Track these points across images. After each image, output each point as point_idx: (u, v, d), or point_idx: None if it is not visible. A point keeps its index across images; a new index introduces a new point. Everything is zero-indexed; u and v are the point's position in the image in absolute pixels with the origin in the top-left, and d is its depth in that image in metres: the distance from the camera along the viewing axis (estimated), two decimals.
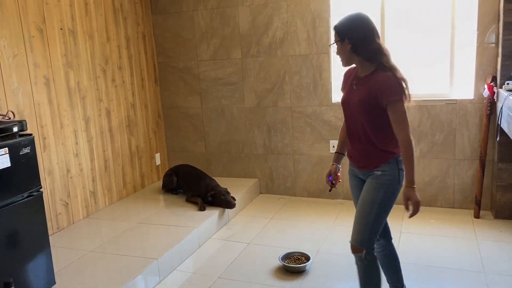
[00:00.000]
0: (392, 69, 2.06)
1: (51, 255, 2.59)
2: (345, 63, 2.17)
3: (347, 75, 2.27)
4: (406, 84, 2.05)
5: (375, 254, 2.20)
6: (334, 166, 2.46)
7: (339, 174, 2.47)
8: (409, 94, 2.06)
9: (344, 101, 2.22)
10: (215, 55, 4.44)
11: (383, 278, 2.27)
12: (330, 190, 2.56)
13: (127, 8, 4.18)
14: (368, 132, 2.12)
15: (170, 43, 4.57)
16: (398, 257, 2.39)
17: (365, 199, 2.16)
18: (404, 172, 2.08)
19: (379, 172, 2.12)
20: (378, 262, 2.21)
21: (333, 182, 2.44)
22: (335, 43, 2.14)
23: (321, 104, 4.12)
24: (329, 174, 2.46)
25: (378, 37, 2.12)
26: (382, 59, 2.08)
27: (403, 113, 2.02)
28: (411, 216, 2.07)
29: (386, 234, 2.34)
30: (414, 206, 2.06)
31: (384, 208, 2.13)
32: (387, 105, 2.02)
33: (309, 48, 4.07)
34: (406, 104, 2.04)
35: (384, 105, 2.03)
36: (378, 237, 2.20)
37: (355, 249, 2.14)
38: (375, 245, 2.17)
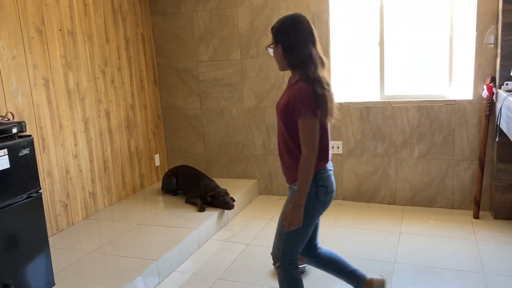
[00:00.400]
0: (314, 81, 1.90)
1: (50, 256, 2.59)
2: (280, 68, 2.06)
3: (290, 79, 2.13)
4: (325, 101, 1.90)
5: (300, 266, 2.15)
6: None
7: None
8: (327, 112, 1.91)
9: (276, 106, 2.13)
10: (214, 56, 4.44)
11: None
12: None
13: (126, 9, 4.18)
14: (288, 142, 2.03)
15: (170, 44, 4.57)
16: (334, 260, 2.33)
17: (282, 213, 2.12)
18: (324, 188, 2.01)
19: (295, 187, 2.02)
20: (298, 276, 2.15)
21: None
22: (271, 46, 2.03)
23: None
24: None
25: (313, 43, 1.96)
26: (308, 68, 1.92)
27: (310, 129, 1.91)
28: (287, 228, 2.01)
29: (308, 251, 2.27)
30: (289, 225, 2.00)
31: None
32: (298, 118, 1.92)
33: None
34: (322, 121, 1.92)
35: (296, 117, 1.93)
36: (299, 251, 2.14)
37: (273, 259, 2.13)
38: (301, 259, 2.13)
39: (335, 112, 1.98)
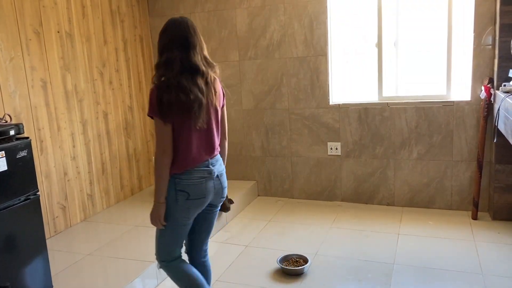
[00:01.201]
0: (164, 86, 1.91)
1: (48, 258, 2.58)
2: None
3: None
4: (172, 106, 1.88)
5: (181, 264, 2.16)
6: None
7: None
8: (182, 117, 1.91)
9: None
10: (212, 57, 4.36)
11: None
12: None
13: (124, 11, 4.18)
14: None
15: None
16: (208, 276, 2.31)
17: None
18: (184, 193, 2.00)
19: None
20: (181, 269, 2.15)
21: None
22: None
23: (319, 106, 4.12)
24: None
25: (182, 48, 1.94)
26: (159, 72, 1.94)
27: (157, 130, 1.94)
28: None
29: (191, 250, 2.29)
30: (152, 221, 2.04)
31: (164, 226, 2.05)
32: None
33: (306, 50, 4.08)
34: (171, 123, 1.91)
35: None
36: (177, 250, 2.15)
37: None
38: (179, 257, 2.15)
39: (204, 118, 1.97)
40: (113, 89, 4.03)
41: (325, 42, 3.99)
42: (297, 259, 3.01)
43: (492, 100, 3.43)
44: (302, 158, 4.31)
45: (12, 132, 2.37)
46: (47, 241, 2.64)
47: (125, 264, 2.88)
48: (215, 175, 2.09)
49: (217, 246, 3.41)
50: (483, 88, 3.49)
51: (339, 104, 4.05)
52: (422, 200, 3.94)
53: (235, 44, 4.32)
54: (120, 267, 2.84)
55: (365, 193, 4.15)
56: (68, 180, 3.52)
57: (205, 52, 2.12)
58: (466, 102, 3.69)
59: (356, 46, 4.10)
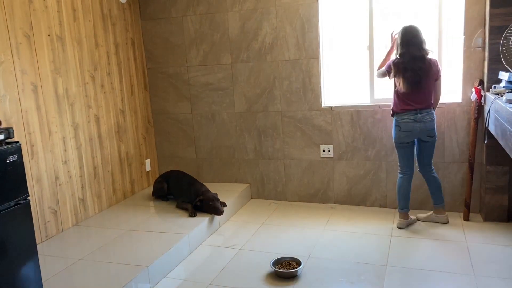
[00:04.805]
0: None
1: (39, 263, 2.55)
2: None
3: None
4: None
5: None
6: None
7: None
8: None
9: None
10: (205, 60, 4.44)
11: None
12: None
13: (116, 14, 4.17)
14: None
15: (160, 49, 4.56)
16: (435, 185, 3.59)
17: None
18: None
19: None
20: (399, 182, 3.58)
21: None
22: None
23: (311, 109, 4.13)
24: None
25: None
26: None
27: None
28: None
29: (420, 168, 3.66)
30: None
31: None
32: None
33: (298, 53, 4.09)
34: None
35: None
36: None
37: None
38: None
39: None
40: (104, 92, 4.01)
41: (317, 45, 4.01)
42: (290, 262, 3.01)
43: (483, 102, 3.46)
44: (295, 160, 4.32)
45: (1, 137, 2.35)
46: (39, 246, 2.62)
47: (117, 268, 2.86)
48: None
49: (210, 250, 3.40)
50: (473, 90, 3.52)
51: (331, 107, 4.07)
52: (414, 202, 3.95)
53: (227, 47, 4.32)
54: (112, 272, 2.82)
55: (358, 195, 4.16)
56: (59, 185, 3.49)
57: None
58: (457, 104, 3.72)
59: (348, 49, 4.12)
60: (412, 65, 3.30)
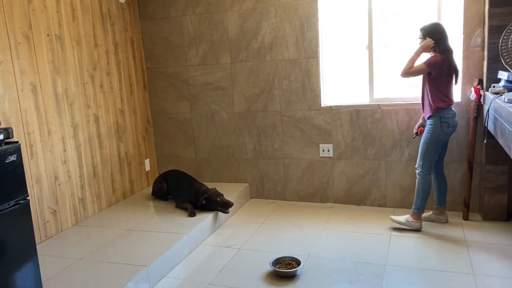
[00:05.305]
0: None
1: (38, 264, 2.55)
2: None
3: None
4: None
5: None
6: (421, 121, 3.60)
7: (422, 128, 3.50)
8: None
9: None
10: (204, 60, 4.44)
11: None
12: (414, 137, 3.73)
13: (115, 13, 4.16)
14: None
15: (159, 49, 4.56)
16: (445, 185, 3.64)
17: None
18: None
19: None
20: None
21: (417, 133, 3.60)
22: None
23: (310, 109, 4.13)
24: (419, 126, 3.60)
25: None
26: None
27: None
28: None
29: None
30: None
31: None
32: None
33: (297, 52, 4.09)
34: None
35: None
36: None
37: None
38: None
39: None
40: (104, 92, 4.01)
41: (316, 44, 4.01)
42: (290, 261, 3.01)
43: (482, 101, 3.46)
44: (294, 160, 4.32)
45: (1, 137, 2.34)
46: (38, 246, 2.62)
47: (117, 268, 2.86)
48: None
49: (209, 249, 3.40)
50: (472, 89, 3.52)
51: (330, 106, 4.07)
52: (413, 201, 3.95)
53: (227, 46, 4.32)
54: (112, 272, 2.82)
55: (357, 195, 4.16)
56: (59, 185, 3.49)
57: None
58: (456, 104, 3.71)
59: (347, 49, 4.12)
60: (453, 60, 3.34)
